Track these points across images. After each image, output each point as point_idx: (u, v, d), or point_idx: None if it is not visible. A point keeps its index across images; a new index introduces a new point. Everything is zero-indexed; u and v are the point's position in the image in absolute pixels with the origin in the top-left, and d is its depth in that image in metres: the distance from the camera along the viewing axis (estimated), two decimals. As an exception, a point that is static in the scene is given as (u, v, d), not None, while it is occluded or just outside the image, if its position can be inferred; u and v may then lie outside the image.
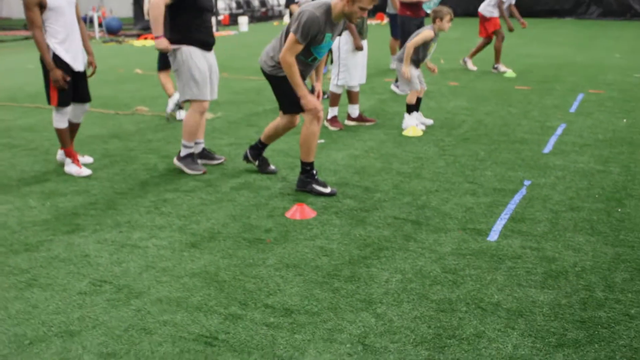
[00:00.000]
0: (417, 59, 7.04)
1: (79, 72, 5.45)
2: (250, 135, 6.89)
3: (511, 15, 11.27)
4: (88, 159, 5.88)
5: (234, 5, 26.01)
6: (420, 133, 6.86)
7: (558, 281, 3.57)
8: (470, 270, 3.69)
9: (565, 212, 4.61)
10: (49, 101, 5.38)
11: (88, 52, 5.62)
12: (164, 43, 5.25)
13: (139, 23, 21.09)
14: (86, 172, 5.52)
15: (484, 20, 11.03)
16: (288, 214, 4.54)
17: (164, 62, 7.68)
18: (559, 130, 6.97)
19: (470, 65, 11.61)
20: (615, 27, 21.10)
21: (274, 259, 3.85)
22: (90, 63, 5.64)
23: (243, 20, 22.30)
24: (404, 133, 6.87)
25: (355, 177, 5.43)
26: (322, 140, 6.58)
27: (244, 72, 11.67)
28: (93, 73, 5.68)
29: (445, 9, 6.89)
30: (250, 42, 17.78)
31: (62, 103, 5.38)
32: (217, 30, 19.98)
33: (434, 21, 6.93)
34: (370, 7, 4.63)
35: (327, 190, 4.97)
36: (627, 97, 8.82)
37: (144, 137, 6.90)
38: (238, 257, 3.87)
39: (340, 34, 5.00)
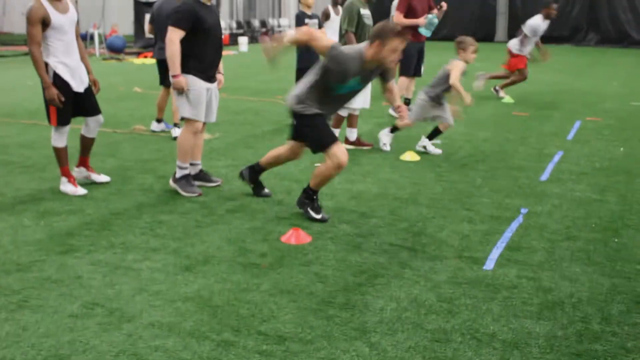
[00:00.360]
0: (437, 95, 6.96)
1: (80, 91, 5.44)
2: (248, 157, 6.88)
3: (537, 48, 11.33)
4: (104, 178, 5.85)
5: (234, 25, 26.14)
6: (417, 158, 6.85)
7: (554, 312, 3.55)
8: (466, 300, 3.66)
9: (561, 241, 4.60)
10: (49, 120, 5.38)
11: (87, 70, 5.62)
12: (182, 83, 5.23)
13: (140, 41, 21.15)
14: (82, 191, 5.50)
15: (512, 55, 11.08)
16: (283, 239, 4.52)
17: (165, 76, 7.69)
18: (556, 158, 6.98)
19: (502, 93, 11.51)
20: (613, 54, 21.24)
21: (269, 284, 3.82)
22: (93, 82, 5.65)
23: (243, 41, 22.41)
24: (402, 158, 6.87)
25: (351, 202, 5.42)
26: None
27: (243, 93, 11.69)
28: (97, 91, 5.70)
29: (469, 40, 6.76)
30: (249, 62, 17.85)
31: (61, 122, 5.37)
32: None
33: (458, 52, 6.86)
34: (401, 47, 4.66)
35: (319, 216, 4.94)
36: (624, 126, 8.85)
37: (140, 156, 6.89)
38: (232, 282, 3.84)
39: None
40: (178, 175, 5.55)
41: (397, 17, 9.03)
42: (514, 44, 11.03)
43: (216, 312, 3.47)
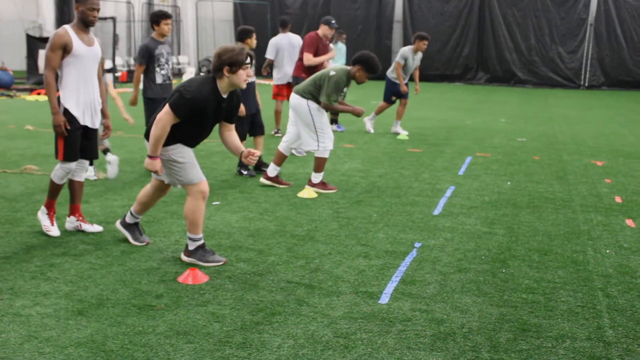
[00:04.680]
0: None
1: (88, 128, 5.34)
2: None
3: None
4: (97, 228, 5.55)
5: (132, 62, 25.76)
6: (315, 195, 6.96)
7: (446, 343, 3.67)
8: (362, 334, 3.73)
9: (453, 273, 4.77)
10: (56, 155, 5.28)
11: (104, 114, 5.60)
12: (157, 165, 4.73)
13: (32, 77, 20.47)
14: (55, 232, 5.40)
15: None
16: (180, 279, 4.46)
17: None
18: (449, 193, 7.25)
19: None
20: (501, 92, 22.34)
21: (165, 326, 3.76)
22: (105, 127, 5.61)
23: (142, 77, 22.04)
24: (299, 195, 6.95)
25: (249, 240, 5.43)
26: (218, 202, 6.56)
27: (140, 131, 11.51)
28: (105, 135, 5.75)
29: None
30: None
31: (68, 158, 5.27)
32: (115, 87, 19.66)
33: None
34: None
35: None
36: (511, 160, 9.32)
37: (31, 197, 6.64)
38: (127, 325, 3.76)
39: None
40: (191, 247, 4.91)
41: (307, 57, 9.57)
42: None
43: (110, 356, 3.38)
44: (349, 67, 7.07)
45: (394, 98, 11.69)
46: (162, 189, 5.15)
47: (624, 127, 13.78)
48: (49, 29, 22.25)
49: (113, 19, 21.68)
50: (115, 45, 22.52)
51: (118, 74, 23.03)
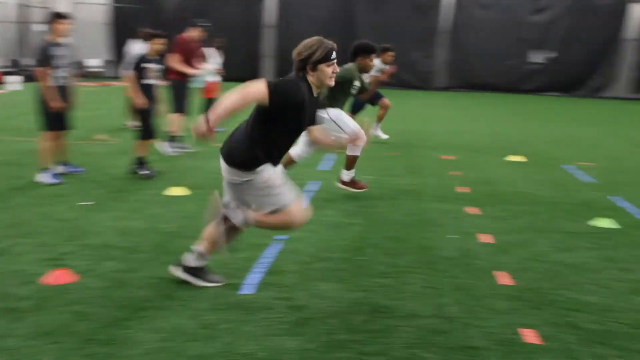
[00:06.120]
0: None
1: None
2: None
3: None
4: None
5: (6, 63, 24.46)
6: (187, 192, 7.06)
7: (305, 327, 3.94)
8: (226, 324, 3.93)
9: (314, 263, 5.06)
10: None
11: None
12: (208, 135, 4.00)
13: None
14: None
15: None
16: (46, 280, 4.47)
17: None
18: (314, 187, 7.57)
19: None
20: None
21: (27, 328, 3.78)
22: None
23: (14, 79, 20.97)
24: (170, 193, 7.03)
25: (118, 238, 5.48)
26: (88, 203, 6.53)
27: (9, 134, 11.10)
28: None
29: None
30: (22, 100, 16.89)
31: None
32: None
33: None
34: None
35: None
36: (371, 156, 9.77)
37: None
38: (-12, 329, 3.75)
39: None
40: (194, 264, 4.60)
41: (172, 59, 9.51)
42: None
43: (-29, 361, 3.39)
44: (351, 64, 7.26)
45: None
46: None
47: (474, 124, 14.89)
48: None
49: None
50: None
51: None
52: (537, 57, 26.29)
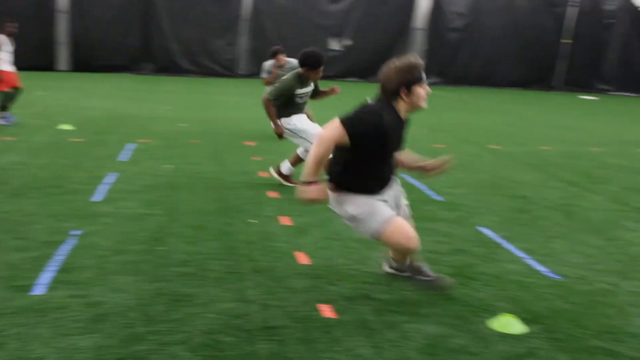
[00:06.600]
0: None
1: None
2: None
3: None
4: None
5: None
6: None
7: (102, 324, 3.79)
8: (13, 329, 3.68)
9: (112, 256, 4.88)
10: None
11: None
12: (313, 193, 4.04)
13: None
14: None
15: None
16: None
17: None
18: (112, 179, 7.29)
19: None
20: (168, 82, 22.52)
21: None
22: None
23: None
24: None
25: None
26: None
27: None
28: None
29: None
30: None
31: None
32: None
33: None
34: None
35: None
36: (172, 145, 9.69)
37: None
38: None
39: None
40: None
41: None
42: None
43: None
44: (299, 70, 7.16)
45: None
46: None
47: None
48: None
49: None
50: None
51: None
52: (335, 45, 27.35)
